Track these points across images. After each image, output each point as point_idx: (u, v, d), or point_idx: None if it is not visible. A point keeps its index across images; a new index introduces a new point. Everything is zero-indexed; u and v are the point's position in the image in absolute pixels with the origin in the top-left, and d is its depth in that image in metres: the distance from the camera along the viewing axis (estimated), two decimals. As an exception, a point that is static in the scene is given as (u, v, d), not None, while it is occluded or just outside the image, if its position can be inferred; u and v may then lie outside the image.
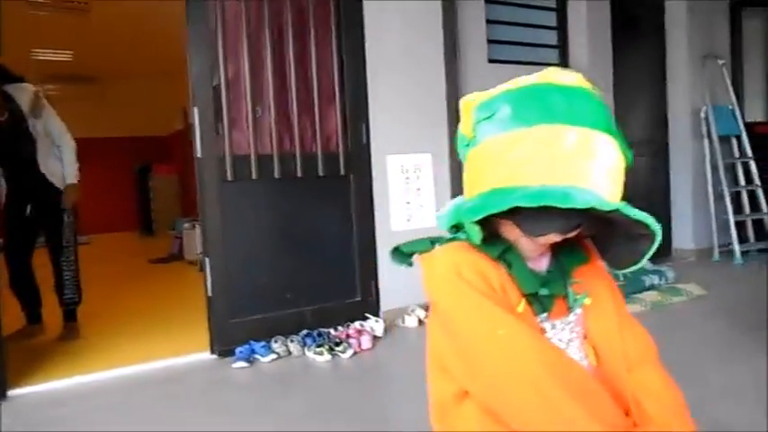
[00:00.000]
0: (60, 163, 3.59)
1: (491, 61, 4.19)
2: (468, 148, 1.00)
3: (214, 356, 3.17)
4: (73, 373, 2.97)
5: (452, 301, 0.99)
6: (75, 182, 3.62)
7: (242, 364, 3.01)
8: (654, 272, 4.06)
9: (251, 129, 3.26)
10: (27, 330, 3.66)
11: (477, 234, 0.97)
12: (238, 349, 3.07)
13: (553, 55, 4.71)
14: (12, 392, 2.75)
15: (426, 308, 3.62)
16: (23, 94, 3.47)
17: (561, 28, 4.73)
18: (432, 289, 1.03)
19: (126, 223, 11.94)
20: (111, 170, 11.77)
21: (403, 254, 1.10)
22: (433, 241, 1.07)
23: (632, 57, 5.10)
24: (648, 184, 5.26)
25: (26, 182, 3.55)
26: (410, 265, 1.10)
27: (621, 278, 3.92)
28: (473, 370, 0.97)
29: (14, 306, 3.60)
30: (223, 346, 3.16)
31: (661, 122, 5.36)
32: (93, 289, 4.19)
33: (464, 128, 1.01)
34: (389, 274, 3.66)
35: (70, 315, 3.68)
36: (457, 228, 1.04)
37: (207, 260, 3.19)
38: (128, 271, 6.51)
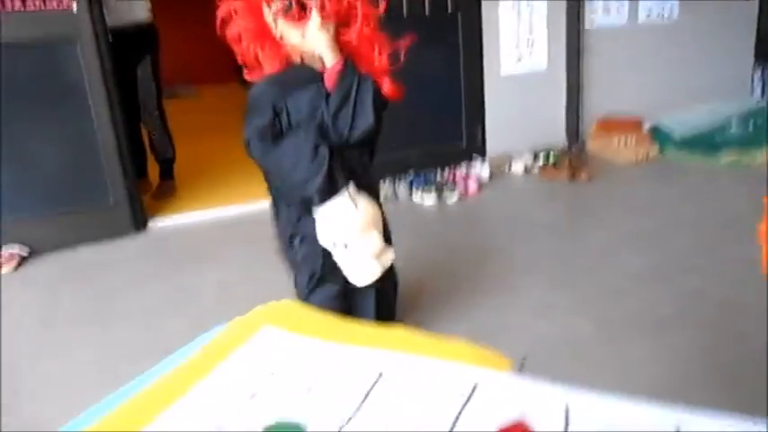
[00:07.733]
0: None
1: None
2: None
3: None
4: (197, 208, 3.19)
5: None
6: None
7: (351, 204, 3.11)
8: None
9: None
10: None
11: None
12: (347, 190, 3.16)
13: None
14: (150, 224, 3.05)
15: (535, 155, 3.51)
16: None
17: None
18: None
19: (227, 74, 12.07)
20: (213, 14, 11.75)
21: None
22: None
23: None
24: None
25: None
26: None
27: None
28: None
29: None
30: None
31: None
32: (206, 140, 4.33)
33: None
34: (496, 119, 3.55)
35: (165, 173, 3.51)
36: None
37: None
38: (234, 123, 6.64)
